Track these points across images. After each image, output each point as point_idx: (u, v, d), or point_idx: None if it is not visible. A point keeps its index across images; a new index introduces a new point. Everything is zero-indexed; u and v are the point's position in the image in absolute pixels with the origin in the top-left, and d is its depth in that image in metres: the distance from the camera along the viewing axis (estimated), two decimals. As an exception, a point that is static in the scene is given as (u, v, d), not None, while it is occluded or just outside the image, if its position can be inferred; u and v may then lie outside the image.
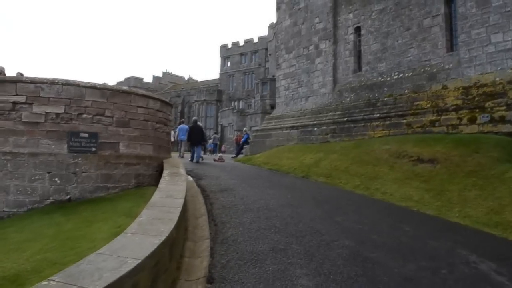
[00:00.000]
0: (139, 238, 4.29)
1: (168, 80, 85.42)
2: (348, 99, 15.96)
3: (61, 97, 9.60)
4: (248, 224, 6.54)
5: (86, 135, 9.78)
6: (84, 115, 9.79)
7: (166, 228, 4.61)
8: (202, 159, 18.31)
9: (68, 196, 9.53)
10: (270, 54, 53.96)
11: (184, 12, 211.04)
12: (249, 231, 6.17)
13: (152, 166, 10.99)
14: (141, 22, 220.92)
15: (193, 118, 18.77)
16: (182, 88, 76.79)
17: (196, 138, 17.26)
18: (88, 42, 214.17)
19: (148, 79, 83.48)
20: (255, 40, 60.97)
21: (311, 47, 18.47)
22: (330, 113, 16.32)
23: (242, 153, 22.12)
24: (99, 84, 10.04)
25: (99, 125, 9.98)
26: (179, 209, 5.54)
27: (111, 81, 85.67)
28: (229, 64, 64.51)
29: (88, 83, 9.91)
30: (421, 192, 8.82)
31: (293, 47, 19.65)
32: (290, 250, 5.24)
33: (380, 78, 14.95)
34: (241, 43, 62.72)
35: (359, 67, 16.40)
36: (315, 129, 16.45)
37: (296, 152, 15.39)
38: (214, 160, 18.54)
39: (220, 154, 18.74)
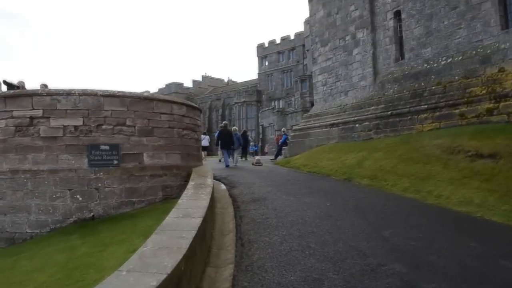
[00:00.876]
0: (133, 279, 3.45)
1: (207, 84, 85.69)
2: (391, 90, 14.65)
3: (79, 109, 9.08)
4: (278, 244, 5.61)
5: (107, 147, 9.19)
6: (104, 126, 9.21)
7: (170, 262, 3.76)
8: (234, 163, 17.86)
9: (92, 214, 8.99)
10: (307, 50, 52.56)
11: (220, 14, 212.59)
12: (279, 253, 5.24)
13: (180, 176, 10.29)
14: (180, 27, 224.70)
15: (224, 122, 18.18)
16: (222, 91, 76.73)
17: (226, 142, 16.73)
18: (130, 51, 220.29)
19: (188, 84, 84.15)
20: (292, 37, 59.77)
21: (347, 38, 17.25)
22: (372, 107, 15.07)
23: (281, 154, 21.21)
24: (118, 92, 9.42)
25: (121, 136, 9.38)
26: (193, 233, 4.69)
27: (153, 89, 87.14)
28: (267, 64, 63.66)
29: (106, 91, 9.32)
30: (483, 193, 7.54)
31: (328, 39, 18.48)
32: (326, 280, 4.26)
33: (425, 65, 13.56)
34: (278, 41, 61.71)
35: (401, 55, 15.04)
36: (357, 125, 15.24)
37: (336, 152, 14.27)
38: (252, 164, 17.72)
39: (257, 158, 17.89)
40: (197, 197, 6.99)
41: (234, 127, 23.08)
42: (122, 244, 6.45)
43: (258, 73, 65.01)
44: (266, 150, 47.81)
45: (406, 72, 14.27)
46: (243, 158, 21.84)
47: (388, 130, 13.62)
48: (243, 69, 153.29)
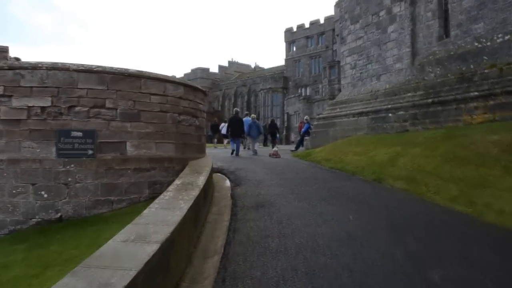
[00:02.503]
0: None
1: (234, 70, 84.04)
2: (433, 74, 12.42)
3: (47, 86, 7.43)
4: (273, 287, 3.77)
5: (80, 134, 7.52)
6: (77, 108, 7.55)
7: None
8: (253, 153, 17.05)
9: (59, 215, 7.38)
10: (337, 35, 49.87)
11: None
12: (270, 307, 3.40)
13: (173, 170, 8.57)
14: (207, 12, 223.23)
15: (235, 109, 17.32)
16: (248, 77, 74.90)
17: (235, 130, 15.90)
18: (155, 37, 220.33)
19: (214, 69, 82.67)
20: (321, 21, 57.08)
21: (382, 13, 14.98)
22: (409, 94, 12.88)
23: (303, 145, 19.24)
24: (96, 67, 7.70)
25: (98, 121, 7.72)
26: (131, 276, 2.90)
27: (179, 74, 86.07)
28: (294, 49, 61.22)
29: (82, 65, 7.62)
30: None
31: (359, 15, 16.23)
32: None
33: (476, 44, 11.27)
34: (307, 25, 59.13)
35: (446, 32, 12.73)
36: (390, 114, 13.10)
37: (365, 145, 12.23)
38: (269, 155, 15.87)
39: (275, 149, 16.00)
40: (173, 205, 5.18)
41: (253, 115, 21.75)
42: (65, 266, 4.77)
43: (285, 59, 62.68)
44: (292, 139, 45.80)
45: (452, 52, 12.00)
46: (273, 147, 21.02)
47: (428, 121, 11.46)
48: (271, 55, 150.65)
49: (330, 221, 5.77)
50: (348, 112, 15.67)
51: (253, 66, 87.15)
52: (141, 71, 8.24)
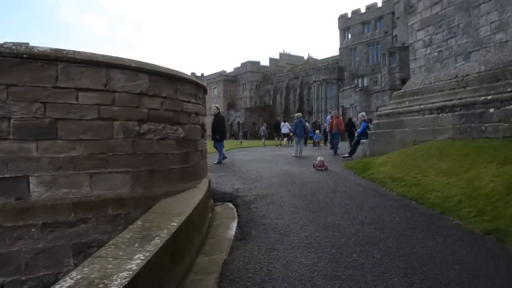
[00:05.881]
0: None
1: (286, 62, 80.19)
2: None
3: None
4: None
5: None
6: None
7: None
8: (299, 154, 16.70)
9: None
10: (398, 18, 44.43)
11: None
12: None
13: (126, 219, 5.03)
14: (258, 4, 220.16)
15: (213, 106, 14.68)
16: (300, 69, 70.80)
17: (216, 131, 13.78)
18: (207, 33, 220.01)
19: (265, 62, 79.20)
20: (379, 4, 51.63)
21: (472, -39, 10.48)
22: (521, 78, 8.43)
23: (354, 151, 14.98)
24: (-35, 44, 4.21)
25: (-29, 141, 4.20)
26: None
27: (230, 69, 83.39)
28: (349, 36, 56.20)
29: None
30: None
31: (436, -29, 11.74)
32: None
33: None
34: (363, 10, 53.89)
35: None
36: (491, 110, 8.68)
37: (454, 158, 7.98)
38: (313, 165, 11.98)
39: (320, 158, 12.01)
40: None
41: (299, 113, 20.19)
42: None
43: (340, 48, 57.80)
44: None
45: None
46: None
47: None
48: (325, 44, 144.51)
49: None
50: (422, 106, 11.25)
51: (305, 57, 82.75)
52: (59, 50, 4.65)
